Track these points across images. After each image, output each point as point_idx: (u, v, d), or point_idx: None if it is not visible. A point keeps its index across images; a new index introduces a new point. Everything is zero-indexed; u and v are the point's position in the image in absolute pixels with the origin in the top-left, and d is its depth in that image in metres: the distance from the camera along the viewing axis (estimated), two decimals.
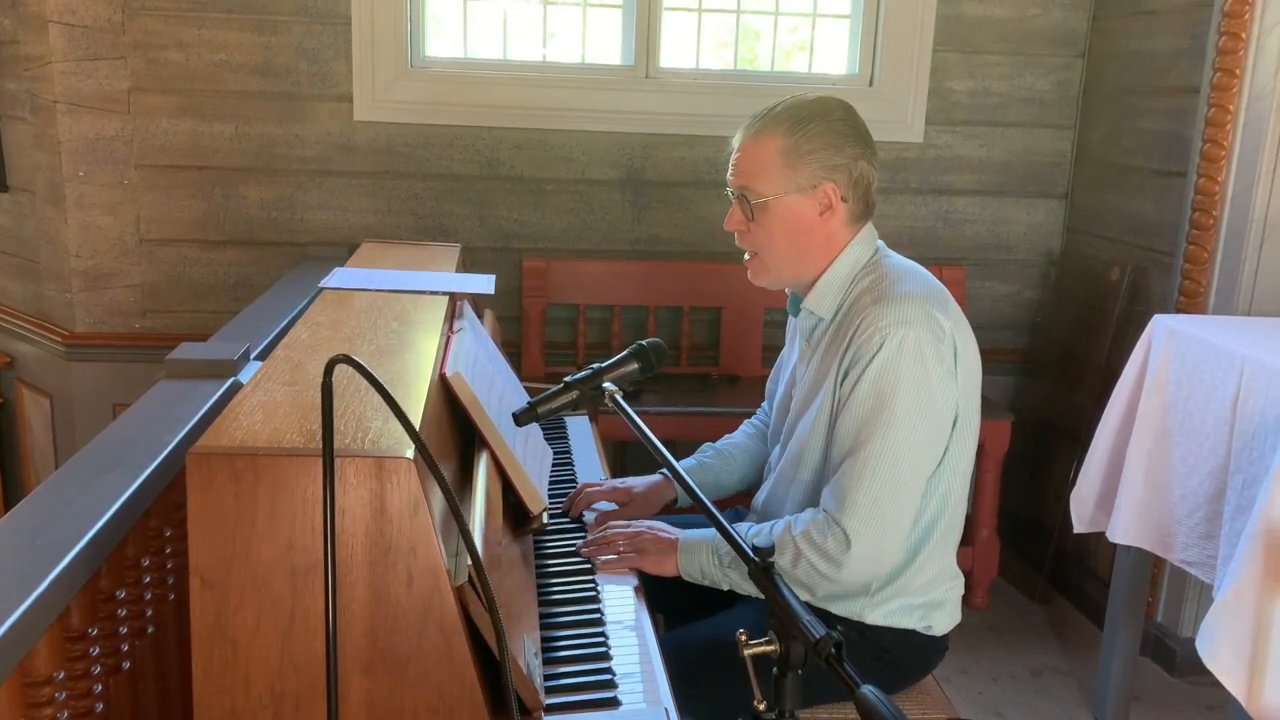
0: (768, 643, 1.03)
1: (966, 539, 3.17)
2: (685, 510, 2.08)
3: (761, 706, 1.03)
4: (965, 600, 3.22)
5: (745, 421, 2.15)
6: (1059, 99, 3.44)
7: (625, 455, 3.34)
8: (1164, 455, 2.41)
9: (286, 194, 3.24)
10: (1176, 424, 2.37)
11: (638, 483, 1.98)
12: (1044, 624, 3.23)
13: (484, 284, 2.05)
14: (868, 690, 0.90)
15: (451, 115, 3.24)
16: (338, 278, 2.03)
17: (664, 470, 2.03)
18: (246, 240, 3.26)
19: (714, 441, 2.13)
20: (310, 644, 1.16)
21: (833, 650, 0.95)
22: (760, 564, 1.07)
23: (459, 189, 3.29)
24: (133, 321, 3.27)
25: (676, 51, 3.40)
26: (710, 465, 2.05)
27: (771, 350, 3.31)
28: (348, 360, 0.89)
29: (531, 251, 3.34)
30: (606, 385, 1.52)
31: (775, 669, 1.03)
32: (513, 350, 3.28)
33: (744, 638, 1.04)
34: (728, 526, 1.18)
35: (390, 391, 1.33)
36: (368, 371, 0.90)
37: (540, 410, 1.50)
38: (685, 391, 3.16)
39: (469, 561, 1.23)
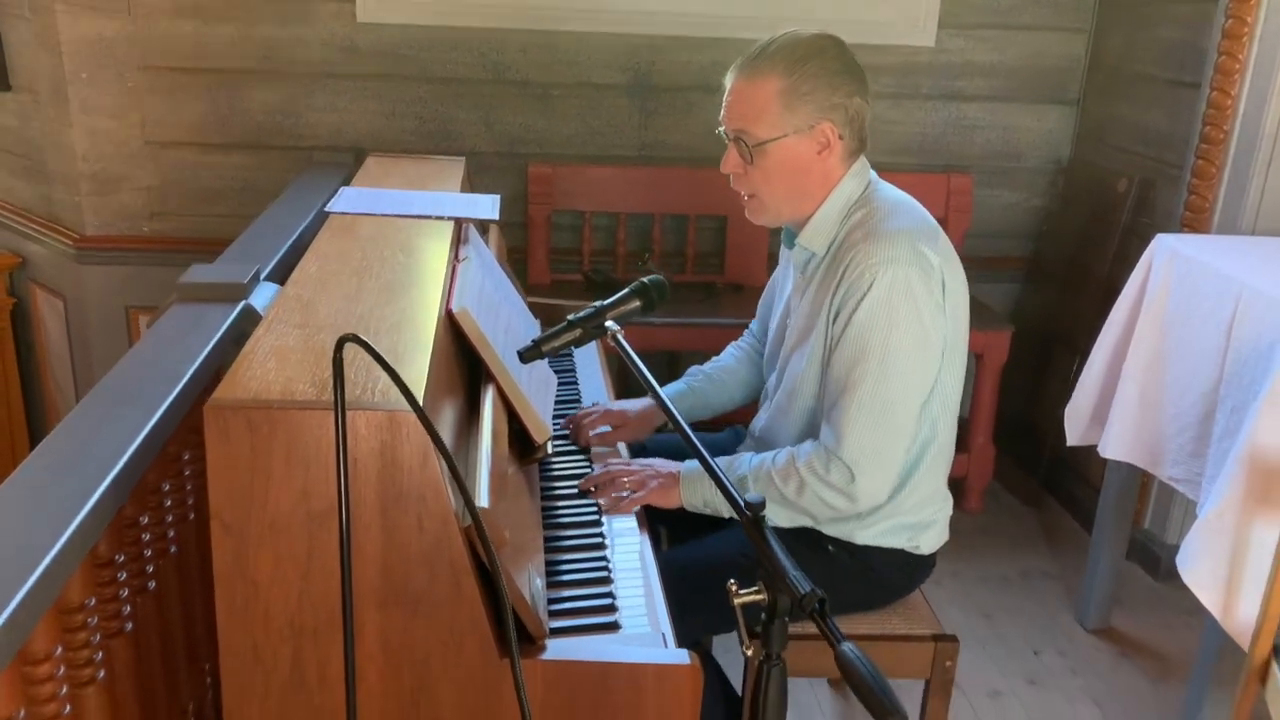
0: (756, 592, 1.09)
1: (962, 446, 3.25)
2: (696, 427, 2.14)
3: (749, 652, 1.10)
4: (959, 504, 3.32)
5: (731, 344, 2.19)
6: (1074, 1, 3.36)
7: (629, 373, 3.39)
8: (1158, 375, 2.45)
9: (290, 97, 3.22)
10: (1172, 345, 2.41)
11: (632, 406, 2.02)
12: (1035, 528, 3.33)
13: (488, 208, 2.07)
14: (847, 647, 0.96)
15: (455, 16, 3.18)
16: (344, 200, 2.04)
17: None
18: (252, 144, 3.25)
19: (702, 364, 2.17)
20: (327, 583, 1.23)
21: (816, 605, 1.01)
22: (752, 517, 1.12)
23: (464, 93, 3.26)
24: (141, 225, 3.29)
25: None
26: (699, 389, 2.10)
27: (777, 260, 3.33)
28: (356, 340, 0.93)
29: (537, 157, 3.32)
30: (609, 324, 1.55)
31: (764, 615, 1.10)
32: (518, 257, 3.30)
33: (734, 588, 1.11)
34: (722, 476, 1.23)
35: (399, 333, 1.37)
36: (376, 353, 0.94)
37: (544, 349, 1.54)
38: (690, 301, 3.19)
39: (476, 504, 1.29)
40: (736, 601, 1.10)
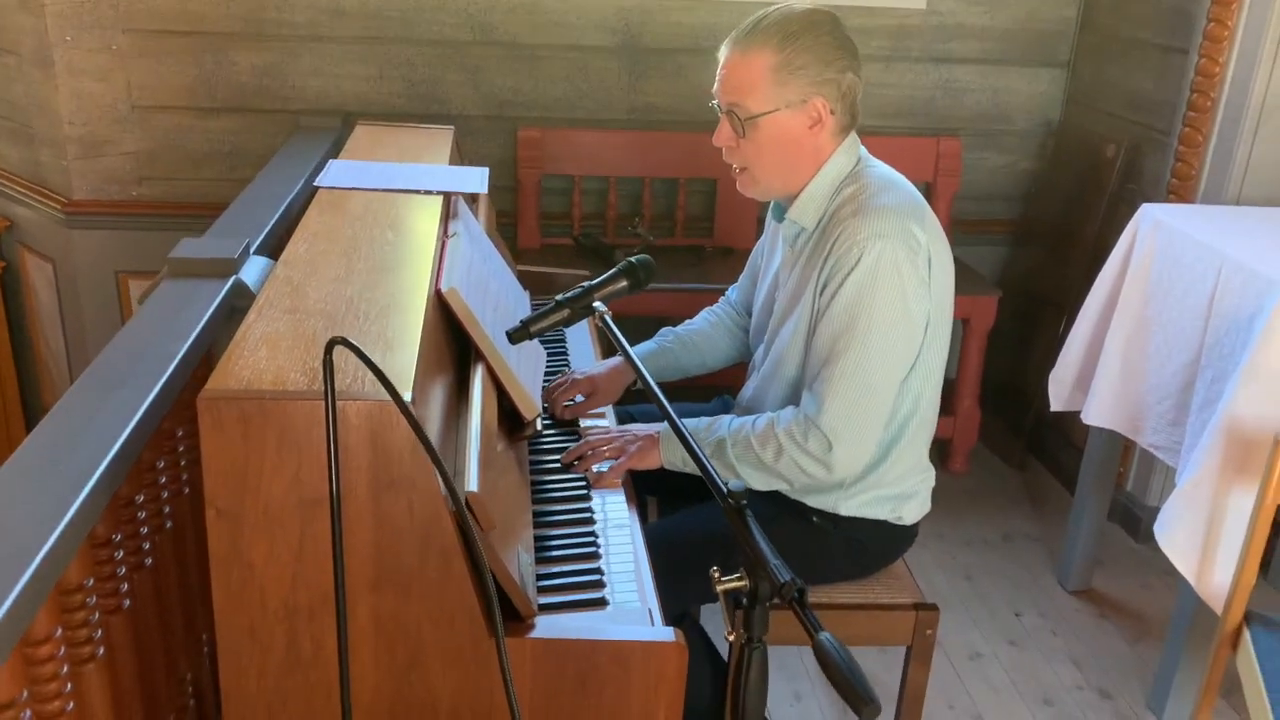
0: (739, 579, 1.13)
1: (948, 409, 3.29)
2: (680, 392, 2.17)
3: (731, 638, 1.13)
4: (945, 466, 3.37)
5: (706, 309, 2.21)
6: None
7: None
8: (1141, 343, 2.49)
9: (277, 60, 3.19)
10: (1155, 314, 2.44)
11: (598, 371, 2.04)
12: (1019, 490, 3.38)
13: (477, 181, 2.07)
14: (825, 638, 0.99)
15: None
16: (333, 174, 2.04)
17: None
18: (239, 108, 3.23)
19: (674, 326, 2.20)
20: (320, 565, 1.26)
21: (795, 595, 1.05)
22: (734, 505, 1.15)
23: (451, 55, 3.24)
24: (130, 189, 3.28)
25: None
26: (670, 349, 2.13)
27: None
28: (345, 343, 0.94)
29: (526, 120, 3.31)
30: (597, 305, 1.57)
31: (745, 601, 1.13)
32: (507, 221, 3.31)
33: (717, 574, 1.14)
34: (699, 452, 1.26)
35: (388, 317, 1.40)
36: (364, 356, 0.96)
37: (533, 330, 1.55)
38: (679, 265, 3.20)
39: (466, 488, 1.32)
40: (719, 588, 1.13)
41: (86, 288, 3.32)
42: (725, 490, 1.16)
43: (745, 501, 1.15)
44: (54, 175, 3.28)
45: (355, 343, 1.32)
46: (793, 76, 1.70)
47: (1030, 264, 3.58)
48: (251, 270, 1.96)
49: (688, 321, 2.20)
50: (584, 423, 1.99)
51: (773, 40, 1.70)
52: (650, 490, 2.13)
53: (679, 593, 1.76)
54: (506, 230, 3.29)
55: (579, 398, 2.01)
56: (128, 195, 3.28)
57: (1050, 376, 2.74)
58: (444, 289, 1.62)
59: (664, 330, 2.18)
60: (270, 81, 3.21)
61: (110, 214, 3.26)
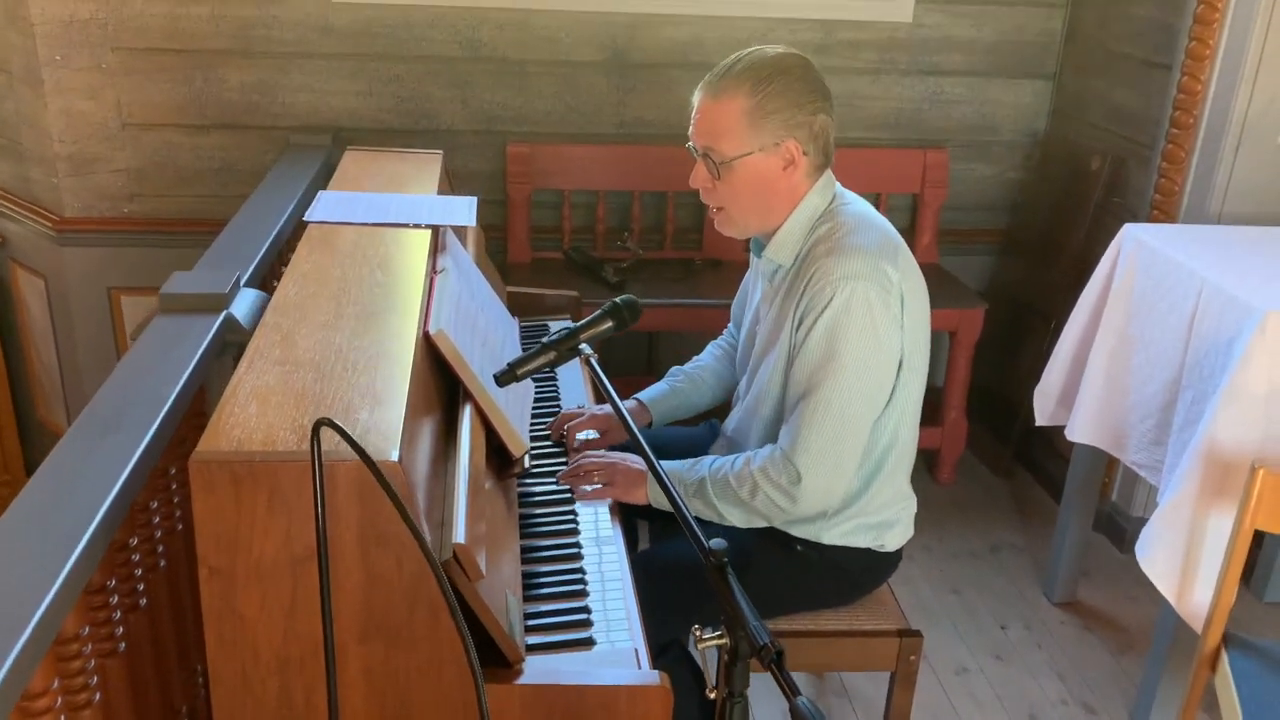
0: (720, 637, 1.15)
1: (935, 419, 3.32)
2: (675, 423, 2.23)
3: (712, 695, 1.16)
4: (933, 476, 3.40)
5: (711, 343, 2.26)
6: None
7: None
8: (1124, 361, 2.51)
9: (267, 77, 3.20)
10: (1138, 333, 2.47)
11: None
12: (1006, 500, 3.41)
13: (465, 214, 2.09)
14: (802, 702, 1.02)
15: None
16: (322, 208, 2.06)
17: (638, 396, 2.15)
18: (229, 124, 3.24)
19: (681, 358, 2.24)
20: (311, 619, 1.28)
21: (774, 658, 1.07)
22: (715, 563, 1.18)
23: (441, 71, 3.26)
24: (121, 206, 3.29)
25: None
26: (681, 389, 2.17)
27: None
28: (331, 424, 0.97)
29: (515, 135, 3.33)
30: (583, 347, 1.59)
31: (726, 658, 1.16)
32: (498, 235, 3.33)
33: (698, 633, 1.17)
34: (683, 506, 1.29)
35: (377, 369, 1.41)
36: (351, 438, 0.98)
37: (519, 373, 1.58)
38: (668, 280, 3.23)
39: (454, 540, 1.35)
40: (700, 646, 1.16)
41: (79, 304, 3.34)
42: (707, 548, 1.19)
43: (727, 559, 1.18)
44: (45, 192, 3.29)
45: (344, 395, 1.35)
46: (766, 120, 1.73)
47: (1017, 274, 3.60)
48: (242, 304, 1.98)
49: (696, 358, 2.25)
50: (579, 436, 2.03)
51: (745, 85, 1.73)
52: (641, 514, 2.16)
53: (668, 621, 1.79)
54: (496, 245, 3.31)
55: (592, 433, 2.04)
56: (119, 212, 3.29)
57: (1035, 391, 2.77)
58: (432, 332, 1.64)
59: (673, 370, 2.22)
60: (260, 98, 3.22)
61: (101, 231, 3.28)
